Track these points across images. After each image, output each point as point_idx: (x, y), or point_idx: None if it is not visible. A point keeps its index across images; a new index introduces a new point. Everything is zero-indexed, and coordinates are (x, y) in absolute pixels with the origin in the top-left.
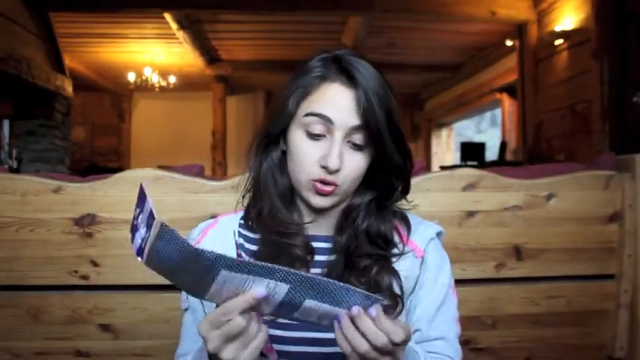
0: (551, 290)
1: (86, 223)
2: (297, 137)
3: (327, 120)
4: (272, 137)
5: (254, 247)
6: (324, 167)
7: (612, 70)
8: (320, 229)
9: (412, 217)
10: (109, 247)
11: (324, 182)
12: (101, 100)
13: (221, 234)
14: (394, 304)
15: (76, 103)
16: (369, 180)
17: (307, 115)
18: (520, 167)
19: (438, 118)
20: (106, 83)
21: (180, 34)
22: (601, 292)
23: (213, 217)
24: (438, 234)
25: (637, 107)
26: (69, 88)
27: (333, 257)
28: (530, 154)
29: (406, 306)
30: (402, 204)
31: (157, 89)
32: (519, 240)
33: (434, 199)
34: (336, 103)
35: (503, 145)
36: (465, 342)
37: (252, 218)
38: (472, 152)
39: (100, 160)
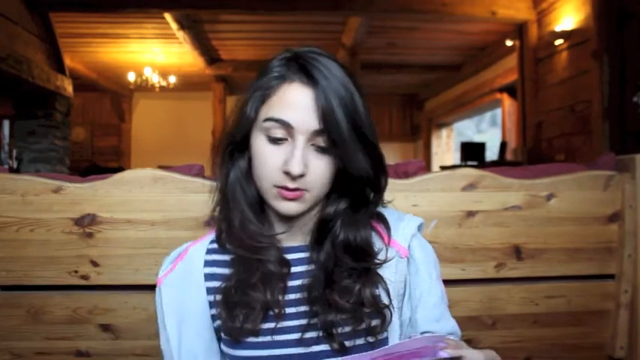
0: (551, 290)
1: (86, 223)
2: (258, 142)
3: (286, 125)
4: (237, 144)
5: (227, 271)
6: (287, 173)
7: (612, 70)
8: (294, 240)
9: (390, 213)
10: (110, 247)
11: (287, 189)
12: (101, 100)
13: (189, 268)
14: (382, 318)
15: (76, 103)
16: (341, 186)
17: (266, 120)
18: (520, 167)
19: (438, 118)
20: (106, 83)
21: (180, 34)
22: (601, 292)
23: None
24: (419, 227)
25: (637, 107)
26: (69, 88)
27: (312, 267)
28: (530, 154)
29: (398, 305)
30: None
31: (157, 89)
32: (519, 240)
33: (434, 199)
34: (295, 105)
35: (503, 145)
36: (464, 342)
37: (224, 232)
38: (472, 152)
39: (100, 160)
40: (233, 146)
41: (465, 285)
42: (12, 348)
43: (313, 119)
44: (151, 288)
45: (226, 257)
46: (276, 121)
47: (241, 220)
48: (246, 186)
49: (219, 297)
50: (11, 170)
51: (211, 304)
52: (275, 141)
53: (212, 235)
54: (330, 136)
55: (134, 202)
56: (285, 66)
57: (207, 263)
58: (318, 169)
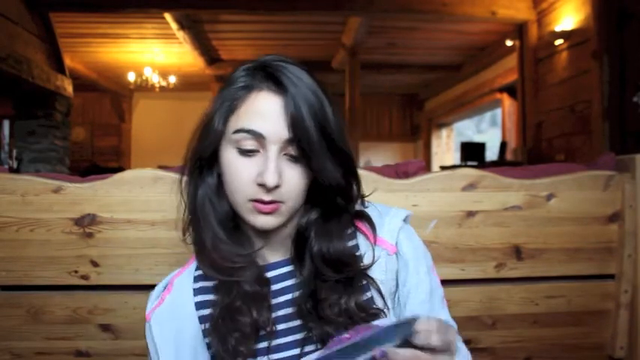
0: (551, 290)
1: (86, 223)
2: (228, 156)
3: (258, 135)
4: (205, 160)
5: (214, 297)
6: (262, 185)
7: (612, 70)
8: (276, 255)
9: (373, 210)
10: (110, 247)
11: (263, 202)
12: (101, 100)
13: (178, 300)
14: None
15: (76, 103)
16: (312, 196)
17: (236, 131)
18: (520, 167)
19: (438, 118)
20: (106, 83)
21: (180, 34)
22: (601, 292)
23: None
24: (405, 219)
25: (637, 107)
26: (69, 88)
27: (298, 280)
28: (530, 154)
29: (394, 304)
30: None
31: (157, 89)
32: (519, 240)
33: (434, 199)
34: (265, 114)
35: (503, 145)
36: (464, 342)
37: (197, 254)
38: (472, 152)
39: (100, 160)
40: (201, 162)
41: (464, 285)
42: (12, 348)
43: (284, 128)
44: (151, 288)
45: (212, 283)
46: (247, 131)
47: (212, 241)
48: (217, 203)
49: (208, 325)
50: (11, 170)
51: (204, 333)
52: (246, 153)
53: (195, 263)
54: (299, 145)
55: (134, 202)
56: (251, 75)
57: (196, 291)
58: (293, 180)
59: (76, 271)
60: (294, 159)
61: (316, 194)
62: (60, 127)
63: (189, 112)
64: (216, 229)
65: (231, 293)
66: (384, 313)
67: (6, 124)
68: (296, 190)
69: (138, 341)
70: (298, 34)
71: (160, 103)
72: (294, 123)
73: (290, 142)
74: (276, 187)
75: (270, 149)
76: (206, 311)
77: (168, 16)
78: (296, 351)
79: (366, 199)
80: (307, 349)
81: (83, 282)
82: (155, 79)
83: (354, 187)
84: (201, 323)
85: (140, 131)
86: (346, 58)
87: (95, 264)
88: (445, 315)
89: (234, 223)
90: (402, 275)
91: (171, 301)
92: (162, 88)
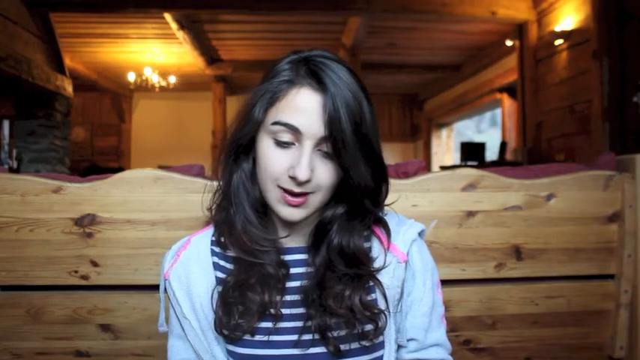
0: (551, 290)
1: (86, 223)
2: (265, 145)
3: (295, 130)
4: (242, 146)
5: (229, 265)
6: (293, 178)
7: (612, 70)
8: (295, 241)
9: (392, 217)
10: (109, 247)
11: (293, 194)
12: (101, 100)
13: (194, 255)
14: (375, 325)
15: (76, 103)
16: (341, 192)
17: (274, 123)
18: (520, 167)
19: (438, 118)
20: (106, 83)
21: (180, 34)
22: (601, 292)
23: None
24: (420, 233)
25: (637, 107)
26: (69, 88)
27: (309, 270)
28: (530, 154)
29: (396, 310)
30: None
31: (157, 89)
32: (519, 240)
33: (434, 199)
34: (304, 110)
35: (503, 145)
36: (464, 342)
37: (224, 234)
38: (472, 152)
39: (100, 160)
40: (238, 147)
41: (464, 285)
42: (12, 348)
43: (321, 125)
44: (151, 288)
45: (228, 252)
46: (285, 125)
47: (243, 224)
48: (251, 188)
49: (217, 293)
50: (11, 170)
51: (214, 294)
52: (282, 144)
53: (212, 229)
54: (334, 144)
55: (134, 202)
56: (295, 70)
57: (213, 253)
58: (323, 175)
59: (76, 271)
60: (327, 155)
61: (345, 193)
62: (60, 127)
63: (189, 112)
64: (248, 213)
65: (250, 271)
66: (384, 314)
67: (6, 124)
68: (325, 185)
69: (138, 341)
70: (298, 34)
71: (160, 103)
72: (332, 122)
73: (325, 139)
74: (307, 181)
75: (305, 144)
76: (220, 275)
77: (168, 16)
78: (294, 337)
79: (386, 205)
80: (305, 337)
81: (83, 282)
82: (155, 79)
83: (383, 192)
84: (217, 284)
85: (140, 131)
86: (346, 58)
87: (95, 264)
88: (441, 333)
89: (264, 209)
90: (409, 285)
91: (187, 257)
92: (162, 88)
